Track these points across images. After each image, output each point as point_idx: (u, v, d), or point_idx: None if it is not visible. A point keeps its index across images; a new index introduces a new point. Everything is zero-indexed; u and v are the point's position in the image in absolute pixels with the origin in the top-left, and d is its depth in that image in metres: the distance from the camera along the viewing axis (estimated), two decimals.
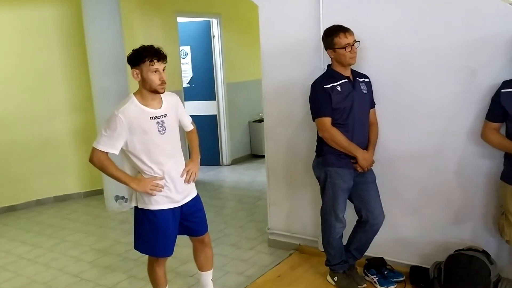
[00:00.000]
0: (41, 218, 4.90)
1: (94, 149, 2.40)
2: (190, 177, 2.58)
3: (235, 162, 6.81)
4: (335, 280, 3.06)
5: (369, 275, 3.08)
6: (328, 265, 3.09)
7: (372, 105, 2.98)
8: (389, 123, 3.03)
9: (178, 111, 2.60)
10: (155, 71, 2.35)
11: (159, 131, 2.41)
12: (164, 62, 2.40)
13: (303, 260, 3.46)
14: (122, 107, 2.36)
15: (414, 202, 3.08)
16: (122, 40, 4.77)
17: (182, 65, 6.17)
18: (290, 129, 3.50)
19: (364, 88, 2.89)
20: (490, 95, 2.55)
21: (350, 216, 3.00)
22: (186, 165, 2.60)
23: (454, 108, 2.83)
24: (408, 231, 3.14)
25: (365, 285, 3.03)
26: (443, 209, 2.98)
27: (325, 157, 2.89)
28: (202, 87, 6.45)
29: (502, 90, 2.44)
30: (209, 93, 6.47)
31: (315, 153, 3.01)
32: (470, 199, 2.88)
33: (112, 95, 4.72)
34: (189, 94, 6.31)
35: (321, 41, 2.90)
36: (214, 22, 6.29)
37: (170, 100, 2.54)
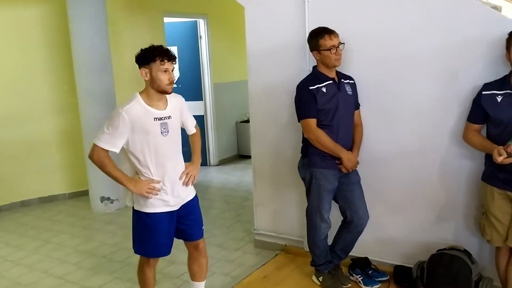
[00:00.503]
0: (25, 220, 4.85)
1: (94, 145, 2.38)
2: (189, 179, 2.56)
3: (222, 162, 6.81)
4: (320, 280, 3.08)
5: (354, 275, 3.11)
6: (313, 265, 3.11)
7: (357, 106, 3.01)
8: (373, 125, 3.06)
9: (182, 114, 2.58)
10: (165, 71, 2.34)
11: (161, 132, 2.39)
12: (174, 62, 2.40)
13: (289, 261, 3.48)
14: (127, 106, 2.34)
15: (398, 202, 3.12)
16: (107, 40, 4.75)
17: None
18: (276, 130, 3.52)
19: (349, 89, 2.92)
20: (472, 97, 2.59)
21: (335, 217, 3.02)
22: (185, 168, 2.58)
23: (436, 110, 2.87)
24: (392, 231, 3.18)
25: (349, 285, 3.06)
26: (426, 209, 3.03)
27: (310, 158, 2.91)
28: (189, 87, 6.43)
29: (483, 92, 2.49)
30: (196, 94, 6.46)
31: (301, 154, 3.03)
32: (452, 199, 2.92)
33: (98, 96, 4.70)
34: None
35: (307, 43, 2.93)
36: (201, 23, 6.28)
37: (175, 102, 2.52)
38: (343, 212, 2.99)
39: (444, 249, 2.79)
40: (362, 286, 3.04)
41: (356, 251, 3.14)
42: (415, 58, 2.88)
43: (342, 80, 2.91)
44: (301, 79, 2.93)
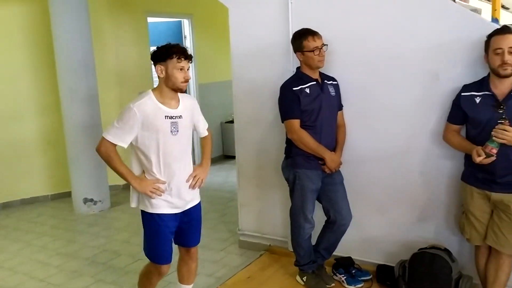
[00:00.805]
0: (7, 222, 4.77)
1: (103, 138, 2.37)
2: (196, 183, 2.51)
3: None
4: (304, 280, 3.10)
5: (337, 274, 3.14)
6: (297, 265, 3.13)
7: (340, 107, 3.03)
8: (356, 125, 3.09)
9: (194, 115, 2.55)
10: (181, 69, 2.33)
11: (171, 131, 2.37)
12: (190, 61, 2.38)
13: (273, 261, 3.50)
14: (139, 101, 2.33)
15: (380, 202, 3.16)
16: (90, 40, 4.70)
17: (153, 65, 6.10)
18: (260, 131, 3.53)
19: (332, 90, 2.94)
20: (452, 99, 2.63)
21: (318, 217, 3.04)
22: (193, 170, 2.53)
23: (418, 111, 2.91)
24: (375, 230, 3.21)
25: (333, 284, 3.08)
26: (408, 208, 3.07)
27: (294, 158, 2.92)
28: None
29: (462, 94, 2.53)
30: None
31: (284, 155, 3.04)
32: (433, 199, 2.97)
33: (80, 96, 4.66)
34: None
35: (290, 44, 2.94)
36: (186, 23, 6.26)
37: (187, 103, 2.49)
38: (326, 212, 3.01)
39: (426, 248, 2.83)
40: (346, 285, 3.06)
41: (340, 251, 3.17)
42: (397, 60, 2.91)
43: (326, 81, 2.93)
44: (285, 80, 2.94)
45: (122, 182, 5.60)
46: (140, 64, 5.59)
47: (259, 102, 3.46)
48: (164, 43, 2.37)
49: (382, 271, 3.09)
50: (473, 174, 2.53)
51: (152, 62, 2.38)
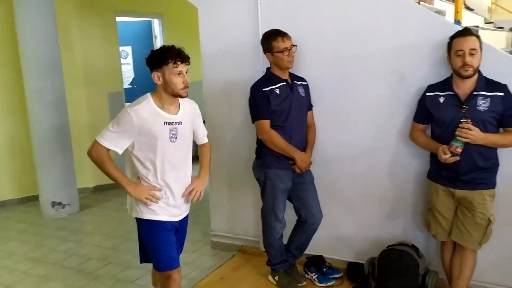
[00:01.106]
0: None
1: (95, 142, 2.23)
2: (194, 197, 2.41)
3: None
4: (276, 279, 3.11)
5: (309, 273, 3.17)
6: (269, 265, 3.14)
7: (310, 107, 3.06)
8: (326, 125, 3.13)
9: (194, 121, 2.44)
10: (179, 74, 2.20)
11: (170, 138, 2.25)
12: (188, 63, 2.25)
13: (246, 261, 3.50)
14: (136, 106, 2.20)
15: (350, 200, 3.21)
16: (56, 40, 4.59)
17: (122, 65, 6.03)
18: (231, 132, 3.53)
19: (302, 91, 2.97)
20: (417, 98, 2.70)
21: (290, 216, 3.07)
22: (191, 182, 2.43)
23: (386, 111, 2.97)
24: (345, 228, 3.26)
25: (305, 283, 3.12)
26: (377, 206, 3.13)
27: (264, 159, 2.94)
28: (144, 88, 6.19)
29: (427, 94, 2.60)
30: None
31: (255, 155, 3.05)
32: (401, 196, 3.03)
33: (47, 97, 4.55)
34: (131, 95, 6.14)
35: (260, 45, 2.95)
36: (156, 22, 6.20)
37: (187, 108, 2.37)
38: (297, 212, 3.04)
39: (394, 245, 2.90)
40: (317, 283, 3.10)
41: (311, 249, 3.20)
42: (364, 60, 2.96)
43: (295, 81, 2.95)
44: (255, 81, 2.95)
45: (91, 184, 5.52)
46: (109, 64, 5.50)
47: (230, 103, 3.46)
48: (156, 47, 2.25)
49: (353, 269, 3.15)
50: (438, 172, 2.61)
51: (149, 68, 2.25)
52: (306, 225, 3.01)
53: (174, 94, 2.24)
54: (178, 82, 2.21)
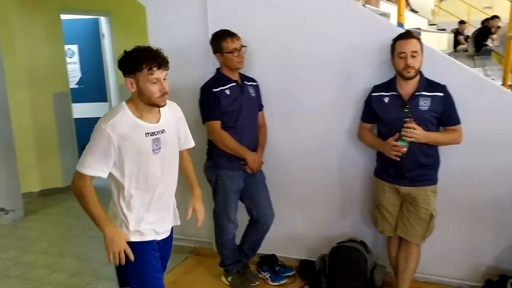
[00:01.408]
0: None
1: (76, 173, 1.93)
2: (200, 220, 2.30)
3: None
4: (229, 280, 3.11)
5: (261, 272, 3.19)
6: (222, 266, 3.13)
7: (260, 108, 3.08)
8: (277, 125, 3.15)
9: (178, 124, 2.19)
10: (155, 82, 1.91)
11: (153, 150, 1.99)
12: (166, 69, 1.96)
13: (198, 263, 3.48)
14: (112, 120, 1.90)
15: (301, 199, 3.26)
16: None
17: (68, 65, 5.81)
18: None
19: (252, 91, 2.98)
20: (364, 98, 2.78)
21: (242, 217, 3.07)
22: (190, 203, 2.29)
23: (334, 110, 3.04)
24: (297, 227, 3.31)
25: (257, 283, 3.14)
26: (327, 204, 3.19)
27: (216, 160, 2.93)
28: (92, 88, 6.14)
29: (372, 94, 2.68)
30: (100, 95, 6.17)
31: (206, 156, 3.03)
32: (350, 194, 3.11)
33: None
34: (77, 96, 5.96)
35: (210, 45, 2.94)
36: (103, 20, 6.02)
37: (170, 112, 2.11)
38: (249, 212, 3.05)
39: (344, 241, 2.97)
40: (270, 282, 3.13)
41: (264, 249, 3.22)
42: (312, 61, 3.01)
43: (245, 82, 2.96)
44: (205, 81, 2.93)
45: (36, 188, 5.30)
46: (54, 63, 5.28)
47: (180, 104, 3.37)
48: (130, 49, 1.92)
49: (305, 266, 3.20)
50: (384, 170, 2.69)
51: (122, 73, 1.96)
52: (258, 224, 3.03)
53: (150, 103, 1.96)
54: (154, 91, 1.92)
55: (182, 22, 3.29)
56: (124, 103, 2.00)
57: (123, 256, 1.96)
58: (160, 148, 2.02)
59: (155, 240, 2.12)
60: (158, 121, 2.03)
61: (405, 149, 2.45)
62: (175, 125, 2.15)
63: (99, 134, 1.90)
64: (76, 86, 6.08)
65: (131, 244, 2.01)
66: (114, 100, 6.23)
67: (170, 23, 3.33)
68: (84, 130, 5.90)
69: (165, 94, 1.96)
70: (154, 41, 3.38)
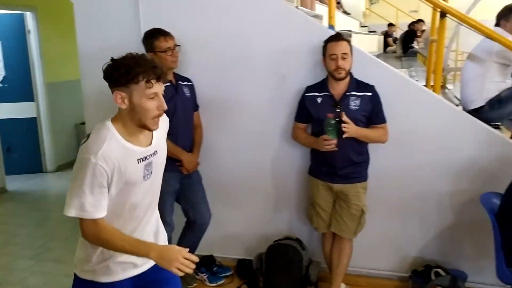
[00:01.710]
0: None
1: (82, 222, 1.62)
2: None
3: (61, 168, 6.28)
4: None
5: (199, 273, 3.17)
6: None
7: (196, 108, 3.05)
8: (212, 125, 3.14)
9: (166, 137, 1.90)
10: (152, 97, 1.62)
11: (144, 176, 1.69)
12: (163, 82, 1.68)
13: None
14: (101, 149, 1.57)
15: (238, 199, 3.27)
16: None
17: None
18: None
19: (187, 91, 2.94)
20: (298, 99, 2.83)
21: (179, 218, 3.03)
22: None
23: (269, 110, 3.07)
24: (234, 226, 3.32)
25: (195, 284, 3.11)
26: (263, 203, 3.23)
27: None
28: (17, 87, 5.77)
29: (306, 94, 2.74)
30: (26, 94, 5.82)
31: None
32: (285, 192, 3.17)
33: None
34: (1, 95, 5.60)
35: (142, 44, 2.86)
36: (29, 16, 5.68)
37: (162, 125, 1.78)
38: (186, 213, 3.01)
39: (280, 239, 3.02)
40: (207, 283, 3.11)
41: (201, 250, 3.19)
42: (247, 61, 3.03)
43: (180, 82, 2.91)
44: None
45: None
46: None
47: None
48: (115, 55, 1.64)
49: (242, 266, 3.21)
50: (318, 168, 2.77)
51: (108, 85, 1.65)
52: (195, 225, 3.00)
53: (140, 125, 1.65)
54: (151, 108, 1.62)
55: (113, 19, 3.18)
56: (109, 123, 1.66)
57: (187, 262, 1.65)
58: (151, 172, 1.73)
59: (132, 276, 1.80)
60: (150, 143, 1.73)
61: (335, 141, 2.51)
62: (164, 141, 1.87)
63: (90, 169, 1.56)
64: (0, 85, 5.71)
65: (98, 284, 1.73)
66: (42, 100, 5.91)
67: (100, 20, 3.20)
68: (9, 131, 5.62)
69: (162, 114, 1.68)
70: (83, 39, 3.26)
